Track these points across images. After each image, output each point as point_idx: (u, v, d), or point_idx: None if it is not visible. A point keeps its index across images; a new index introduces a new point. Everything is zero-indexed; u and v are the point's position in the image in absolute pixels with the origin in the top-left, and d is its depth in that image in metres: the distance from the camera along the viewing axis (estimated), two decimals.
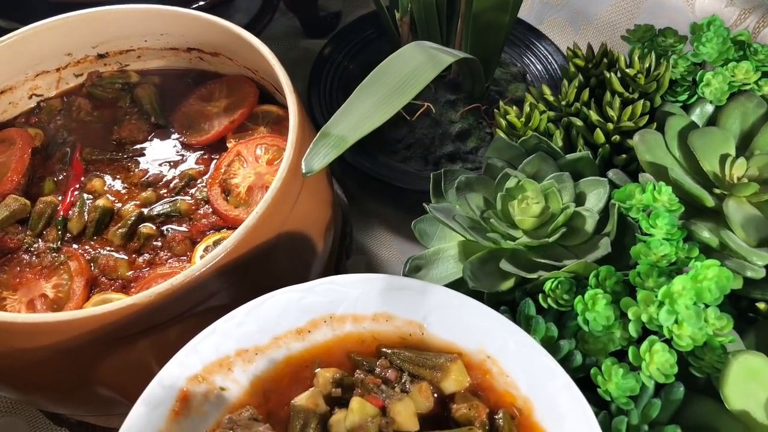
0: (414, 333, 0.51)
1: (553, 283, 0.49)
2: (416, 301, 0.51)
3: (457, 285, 0.55)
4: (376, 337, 0.51)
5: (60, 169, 0.67)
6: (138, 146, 0.69)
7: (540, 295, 0.50)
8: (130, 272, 0.60)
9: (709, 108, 0.60)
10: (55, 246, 0.61)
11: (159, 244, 0.62)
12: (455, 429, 0.46)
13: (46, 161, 0.68)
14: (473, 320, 0.50)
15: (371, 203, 0.85)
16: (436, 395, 0.48)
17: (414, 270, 0.58)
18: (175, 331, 0.52)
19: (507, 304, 0.53)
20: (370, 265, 0.82)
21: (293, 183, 0.57)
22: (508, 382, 0.48)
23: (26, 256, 0.61)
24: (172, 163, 0.67)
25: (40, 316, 0.49)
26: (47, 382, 0.54)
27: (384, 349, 0.51)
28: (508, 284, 0.53)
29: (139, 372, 0.54)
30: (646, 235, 0.50)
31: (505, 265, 0.52)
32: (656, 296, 0.46)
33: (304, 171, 0.48)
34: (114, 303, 0.49)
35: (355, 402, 0.46)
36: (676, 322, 0.45)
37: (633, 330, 0.47)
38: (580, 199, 0.56)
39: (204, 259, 0.51)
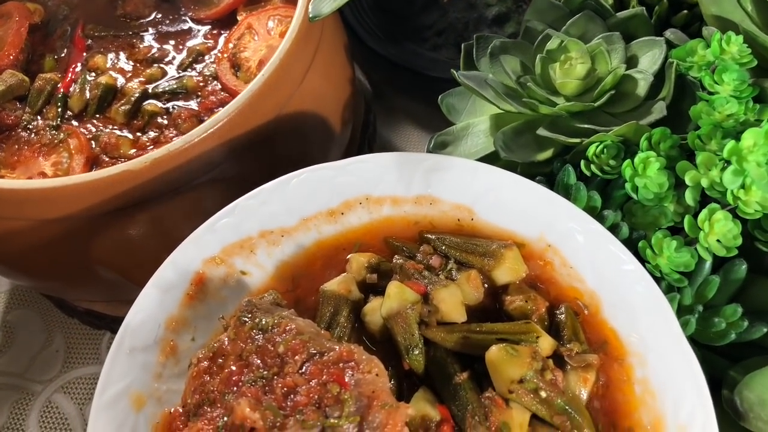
0: (463, 218, 0.45)
1: (598, 147, 0.43)
2: (465, 183, 0.45)
3: (488, 160, 0.49)
4: (418, 222, 0.46)
5: (61, 47, 0.63)
6: (143, 21, 0.64)
7: (582, 162, 0.44)
8: (133, 150, 0.55)
9: None
10: (54, 124, 0.57)
11: (165, 121, 0.57)
12: (509, 323, 0.40)
13: (47, 38, 0.63)
14: (532, 204, 0.43)
15: (397, 96, 0.79)
16: (486, 285, 0.42)
17: (440, 146, 0.52)
18: (177, 205, 0.48)
19: (544, 176, 0.47)
20: None
21: (304, 47, 0.51)
22: (572, 275, 0.42)
23: (25, 134, 0.57)
24: (179, 39, 0.62)
25: (29, 182, 0.46)
26: (46, 260, 0.51)
27: (427, 235, 0.45)
28: (546, 154, 0.46)
29: (140, 250, 0.50)
30: (709, 94, 0.43)
31: (543, 132, 0.45)
32: (720, 158, 0.39)
33: (311, 15, 0.42)
34: (106, 169, 0.45)
35: (393, 286, 0.40)
36: (743, 186, 0.38)
37: (690, 198, 0.40)
38: (631, 61, 0.48)
39: (204, 124, 0.46)
